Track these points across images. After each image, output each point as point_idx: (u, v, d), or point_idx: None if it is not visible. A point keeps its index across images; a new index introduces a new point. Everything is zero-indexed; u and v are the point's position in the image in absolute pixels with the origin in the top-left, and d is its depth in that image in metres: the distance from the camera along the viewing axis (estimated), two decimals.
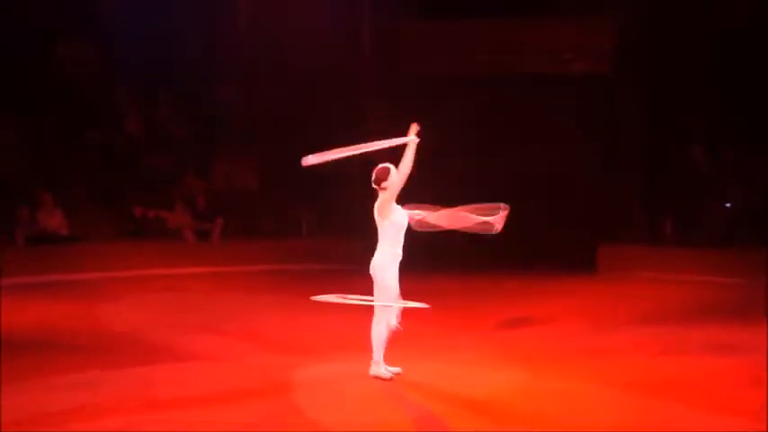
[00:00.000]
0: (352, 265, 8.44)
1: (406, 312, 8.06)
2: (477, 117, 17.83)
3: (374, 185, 8.04)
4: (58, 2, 17.11)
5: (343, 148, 8.03)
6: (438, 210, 8.03)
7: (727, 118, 16.84)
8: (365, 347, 8.12)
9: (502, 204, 8.00)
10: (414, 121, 8.17)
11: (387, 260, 7.96)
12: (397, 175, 7.97)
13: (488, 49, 17.79)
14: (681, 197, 16.73)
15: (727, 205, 16.32)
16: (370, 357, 8.08)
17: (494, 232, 7.92)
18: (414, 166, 8.06)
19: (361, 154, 8.11)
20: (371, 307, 8.05)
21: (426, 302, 8.02)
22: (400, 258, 8.01)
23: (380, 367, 8.01)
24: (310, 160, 7.95)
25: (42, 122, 16.70)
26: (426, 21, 17.97)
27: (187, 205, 16.97)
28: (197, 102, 18.43)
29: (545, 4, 17.31)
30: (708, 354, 9.38)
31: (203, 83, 18.30)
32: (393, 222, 7.95)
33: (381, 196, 8.01)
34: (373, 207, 8.03)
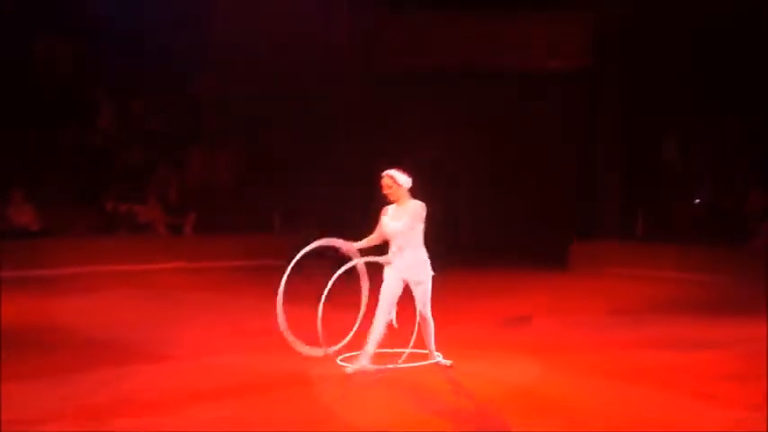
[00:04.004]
0: (324, 260, 8.47)
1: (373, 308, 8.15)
2: (451, 114, 17.87)
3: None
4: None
5: None
6: None
7: (701, 115, 16.97)
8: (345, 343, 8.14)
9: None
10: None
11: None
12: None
13: (464, 46, 17.81)
14: (652, 194, 16.84)
15: (697, 201, 16.45)
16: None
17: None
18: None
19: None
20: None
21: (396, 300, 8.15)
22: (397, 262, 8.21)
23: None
24: None
25: (15, 118, 16.54)
26: (401, 16, 17.96)
27: (159, 199, 16.89)
28: (171, 98, 18.35)
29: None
30: (680, 348, 9.46)
31: (178, 79, 18.22)
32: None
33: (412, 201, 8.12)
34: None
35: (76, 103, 17.56)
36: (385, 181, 8.12)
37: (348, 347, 8.30)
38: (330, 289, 7.79)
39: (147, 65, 17.53)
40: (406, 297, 8.26)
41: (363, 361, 8.07)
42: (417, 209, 8.07)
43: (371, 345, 8.06)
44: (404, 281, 8.12)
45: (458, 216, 17.67)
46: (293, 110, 18.03)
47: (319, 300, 7.75)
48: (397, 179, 8.09)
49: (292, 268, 7.96)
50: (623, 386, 7.85)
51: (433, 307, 8.45)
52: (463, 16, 17.61)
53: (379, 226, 8.18)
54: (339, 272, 7.91)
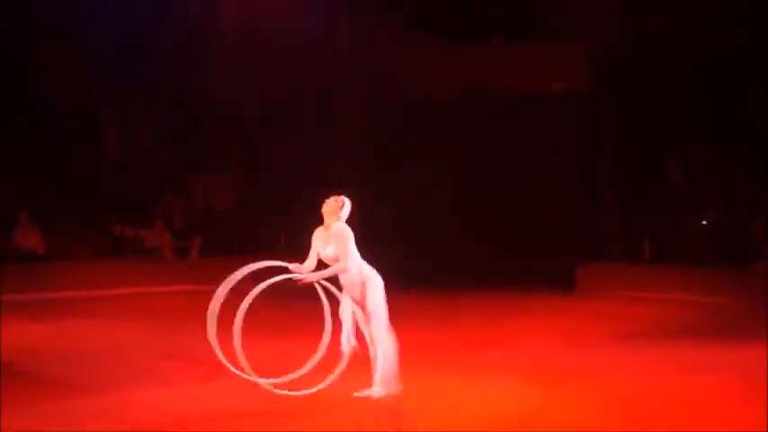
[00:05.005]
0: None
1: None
2: (454, 138, 17.90)
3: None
4: (40, 18, 17.05)
5: None
6: None
7: (704, 137, 16.98)
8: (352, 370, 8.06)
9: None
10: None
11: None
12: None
13: (463, 71, 17.86)
14: (658, 216, 16.82)
15: (704, 222, 16.42)
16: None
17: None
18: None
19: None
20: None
21: (400, 321, 7.99)
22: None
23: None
24: None
25: (22, 141, 16.61)
26: (405, 43, 18.01)
27: (165, 224, 16.93)
28: (177, 122, 18.44)
29: (521, 26, 17.37)
30: (686, 372, 9.40)
31: (184, 104, 18.31)
32: None
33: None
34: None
35: (82, 126, 17.63)
36: (334, 202, 7.99)
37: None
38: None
39: (155, 89, 17.63)
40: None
41: (376, 388, 7.93)
42: (338, 232, 7.86)
43: (379, 371, 7.93)
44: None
45: (461, 237, 17.70)
46: (297, 133, 18.10)
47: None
48: (345, 207, 7.99)
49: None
50: (628, 413, 7.77)
51: (436, 327, 8.34)
52: (466, 43, 17.67)
53: (312, 251, 8.05)
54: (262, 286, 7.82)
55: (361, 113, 18.10)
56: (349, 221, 8.03)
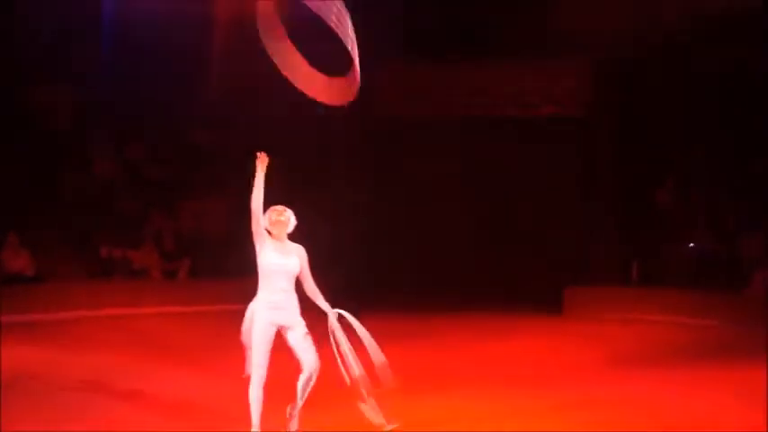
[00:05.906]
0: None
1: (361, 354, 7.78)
2: (447, 161, 17.96)
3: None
4: (31, 45, 17.08)
5: None
6: None
7: (696, 160, 17.04)
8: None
9: None
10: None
11: (255, 306, 7.63)
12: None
13: (458, 93, 17.92)
14: (647, 239, 16.85)
15: (691, 245, 16.46)
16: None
17: None
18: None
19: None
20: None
21: (384, 343, 7.69)
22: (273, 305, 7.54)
23: None
24: None
25: (12, 163, 16.59)
26: (398, 66, 18.07)
27: (154, 244, 16.90)
28: (169, 144, 18.45)
29: (514, 47, 17.42)
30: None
31: (175, 126, 18.32)
32: (259, 264, 7.61)
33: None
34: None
35: (73, 148, 17.64)
36: (286, 215, 7.66)
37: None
38: None
39: (146, 112, 17.64)
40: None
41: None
42: (304, 252, 7.56)
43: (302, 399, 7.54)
44: (276, 326, 7.50)
45: (452, 259, 17.75)
46: (290, 154, 18.07)
47: None
48: (293, 220, 7.67)
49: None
50: None
51: (420, 351, 8.25)
52: (460, 65, 17.74)
53: (260, 222, 7.65)
54: None
55: (354, 135, 18.12)
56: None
